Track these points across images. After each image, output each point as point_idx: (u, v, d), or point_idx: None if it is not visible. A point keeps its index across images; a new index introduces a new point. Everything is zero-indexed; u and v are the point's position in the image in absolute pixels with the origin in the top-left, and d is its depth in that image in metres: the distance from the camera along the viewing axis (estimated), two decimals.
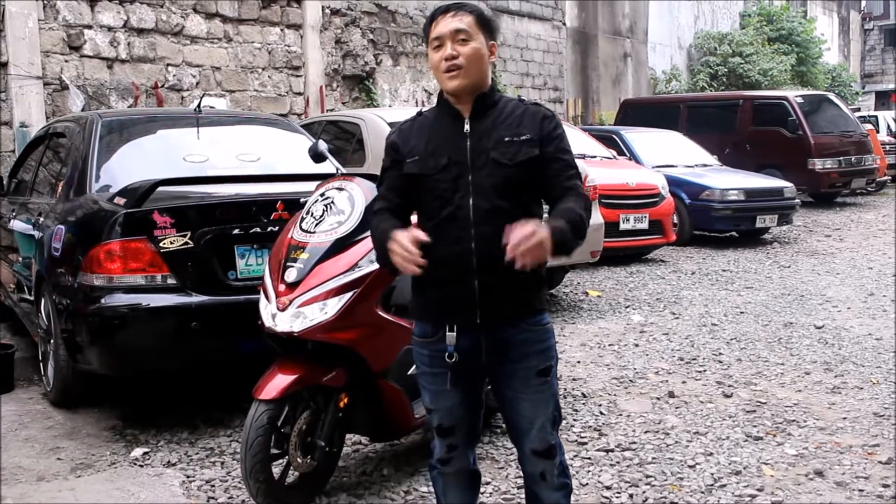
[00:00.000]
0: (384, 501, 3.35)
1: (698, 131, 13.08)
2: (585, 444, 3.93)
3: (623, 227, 8.84)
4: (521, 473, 2.58)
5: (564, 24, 15.95)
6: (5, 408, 4.48)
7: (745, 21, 23.62)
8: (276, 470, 3.19)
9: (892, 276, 8.04)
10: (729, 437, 4.00)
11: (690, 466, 3.65)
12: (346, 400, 3.24)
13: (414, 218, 2.46)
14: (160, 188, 3.91)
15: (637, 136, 11.46)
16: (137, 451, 3.84)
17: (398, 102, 11.78)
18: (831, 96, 15.56)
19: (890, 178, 16.98)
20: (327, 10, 10.67)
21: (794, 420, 4.22)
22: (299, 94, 10.33)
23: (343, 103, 10.93)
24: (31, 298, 4.82)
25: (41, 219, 4.68)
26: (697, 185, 10.47)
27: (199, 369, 4.49)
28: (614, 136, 11.31)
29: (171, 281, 3.92)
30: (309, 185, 3.69)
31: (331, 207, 3.26)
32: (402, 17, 11.94)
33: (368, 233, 3.16)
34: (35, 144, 5.87)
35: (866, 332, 5.93)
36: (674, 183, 10.00)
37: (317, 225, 3.22)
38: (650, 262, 9.31)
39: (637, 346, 5.69)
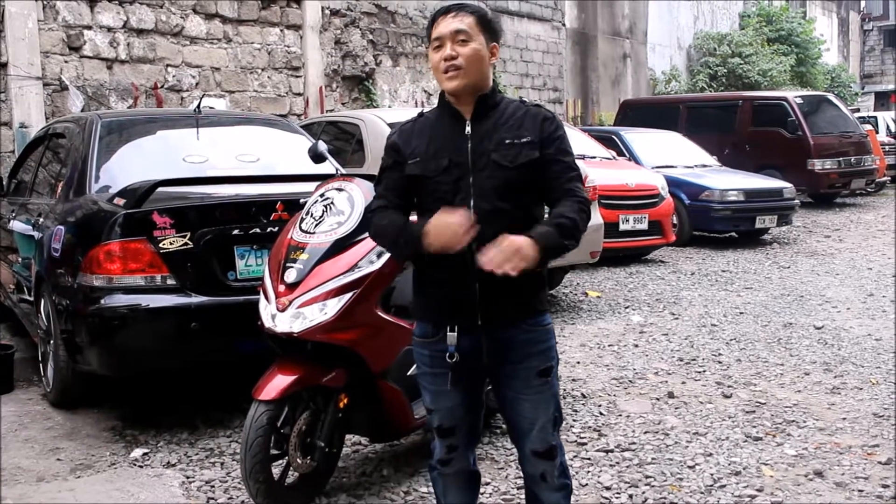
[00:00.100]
0: (384, 502, 3.35)
1: (698, 132, 13.09)
2: (585, 444, 3.93)
3: (623, 227, 8.84)
4: (521, 474, 2.58)
5: (564, 24, 15.96)
6: (5, 408, 4.48)
7: (745, 21, 23.63)
8: (276, 470, 3.19)
9: (892, 276, 8.04)
10: (728, 437, 4.00)
11: (690, 467, 3.65)
12: (345, 400, 3.24)
13: (413, 218, 2.45)
14: (160, 189, 3.91)
15: (636, 137, 11.46)
16: (137, 452, 3.84)
17: (398, 103, 11.78)
18: (831, 97, 15.56)
19: (889, 178, 16.97)
20: (327, 11, 10.68)
21: (793, 420, 4.22)
22: (299, 94, 10.33)
23: (343, 104, 10.93)
24: (31, 299, 4.82)
25: (41, 219, 4.68)
26: (697, 185, 10.48)
27: (198, 370, 4.49)
28: (614, 136, 11.32)
29: (170, 281, 3.92)
30: (308, 186, 3.69)
31: (330, 208, 3.26)
32: (402, 17, 11.95)
33: (368, 233, 3.19)
34: (35, 145, 5.87)
35: (866, 333, 5.93)
36: (673, 183, 10.00)
37: (316, 225, 3.22)
38: (650, 262, 9.31)
39: (637, 346, 5.69)
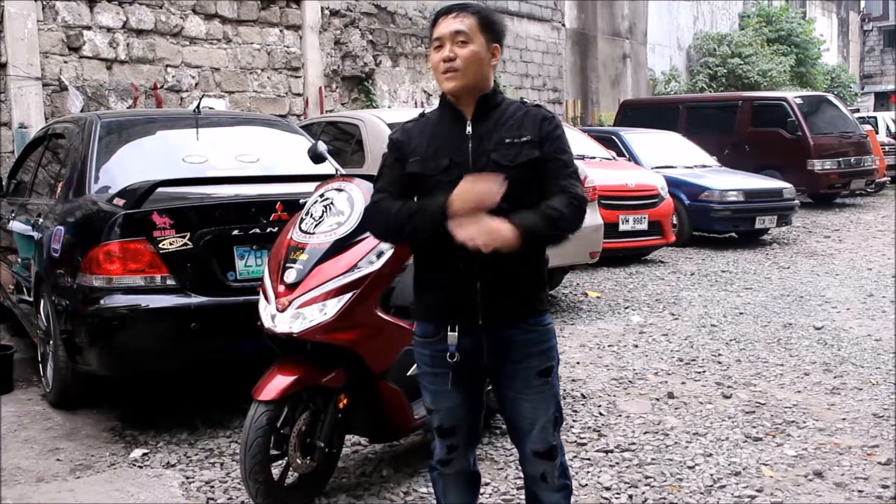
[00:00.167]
0: (383, 502, 3.35)
1: (697, 132, 13.09)
2: (585, 444, 3.93)
3: (622, 227, 8.84)
4: (521, 474, 2.58)
5: (564, 25, 15.96)
6: (5, 409, 4.48)
7: (745, 22, 23.64)
8: (276, 471, 3.19)
9: (892, 276, 8.04)
10: (728, 437, 4.00)
11: (690, 467, 3.65)
12: (345, 401, 3.24)
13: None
14: (159, 189, 3.91)
15: (636, 137, 11.46)
16: (137, 452, 3.83)
17: (397, 103, 11.78)
18: (830, 97, 15.56)
19: (889, 178, 16.97)
20: (326, 11, 10.68)
21: (793, 421, 4.22)
22: (298, 95, 10.33)
23: (342, 104, 10.94)
24: (31, 299, 4.82)
25: (40, 220, 4.68)
26: (697, 185, 10.47)
27: (198, 370, 4.49)
28: (614, 136, 11.32)
29: (170, 282, 3.92)
30: (308, 186, 3.69)
31: (330, 208, 3.26)
32: (402, 18, 11.95)
33: (368, 234, 3.19)
34: (34, 145, 5.87)
35: (865, 333, 5.93)
36: (673, 184, 10.00)
37: (316, 226, 3.22)
38: (649, 263, 9.31)
39: (636, 346, 5.69)
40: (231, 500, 3.37)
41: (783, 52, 21.91)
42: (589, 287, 7.85)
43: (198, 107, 5.09)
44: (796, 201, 10.96)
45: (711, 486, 3.46)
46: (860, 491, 3.41)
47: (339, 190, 3.32)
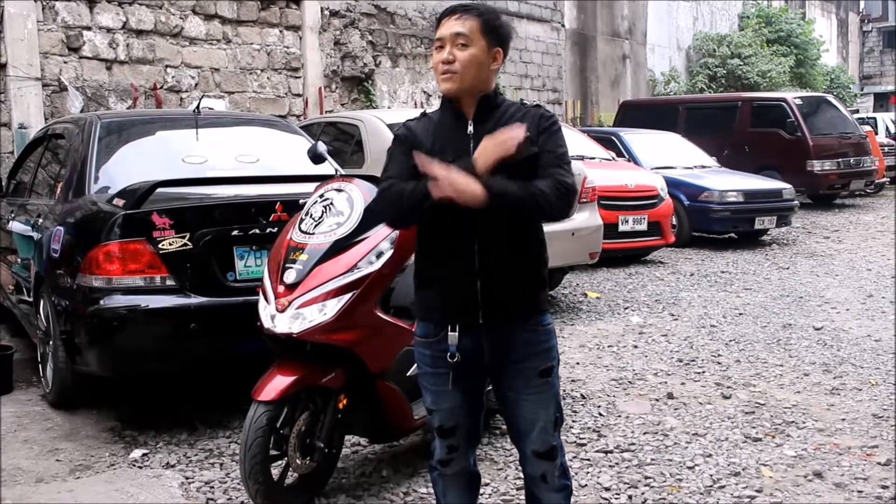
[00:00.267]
0: (383, 502, 3.35)
1: (697, 133, 13.09)
2: (584, 445, 3.93)
3: (622, 228, 8.84)
4: (521, 475, 2.58)
5: (563, 25, 15.97)
6: (4, 409, 4.48)
7: (744, 23, 23.64)
8: (276, 471, 3.19)
9: (891, 277, 8.04)
10: (728, 438, 4.00)
11: (689, 468, 3.65)
12: (345, 401, 3.24)
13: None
14: (159, 189, 3.91)
15: (636, 138, 11.47)
16: (136, 453, 3.83)
17: (397, 104, 11.78)
18: (830, 98, 15.57)
19: (888, 179, 16.98)
20: (326, 12, 10.68)
21: (792, 421, 4.22)
22: (298, 95, 10.34)
23: (342, 105, 10.94)
24: (30, 300, 4.82)
25: (40, 220, 4.68)
26: (696, 186, 10.48)
27: (198, 370, 4.49)
28: (613, 137, 11.32)
29: (169, 282, 3.92)
30: (308, 187, 3.69)
31: (330, 209, 3.26)
32: (401, 18, 11.95)
33: (367, 234, 3.19)
34: (34, 146, 5.87)
35: (865, 334, 5.94)
36: (673, 184, 10.00)
37: (316, 226, 3.22)
38: (649, 263, 9.31)
39: (636, 347, 5.70)
40: (231, 501, 3.37)
41: (783, 53, 21.92)
42: (588, 288, 7.85)
43: (197, 107, 5.09)
44: (796, 202, 10.96)
45: (711, 486, 3.46)
46: (860, 491, 3.41)
47: (339, 190, 3.32)
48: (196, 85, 9.11)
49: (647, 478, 3.54)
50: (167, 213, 3.91)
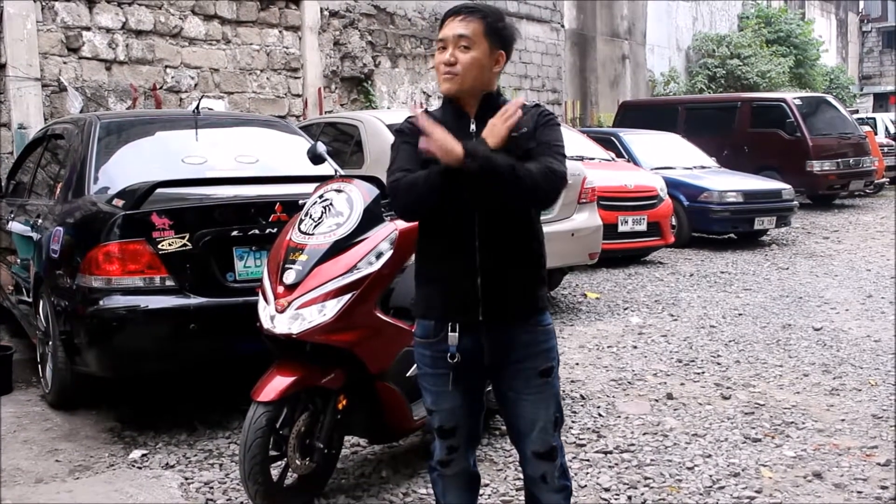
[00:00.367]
0: (383, 503, 3.35)
1: (696, 133, 13.10)
2: (584, 445, 3.93)
3: (622, 228, 8.84)
4: (520, 475, 2.58)
5: (563, 26, 15.97)
6: (4, 410, 4.47)
7: (744, 23, 23.66)
8: (275, 472, 3.19)
9: (891, 277, 8.05)
10: (727, 438, 4.00)
11: (689, 468, 3.65)
12: (344, 402, 3.24)
13: None
14: (159, 190, 3.91)
15: (635, 138, 11.47)
16: (136, 453, 3.83)
17: (396, 104, 11.78)
18: (829, 98, 15.58)
19: (888, 180, 16.99)
20: (326, 12, 10.68)
21: (792, 422, 4.22)
22: (298, 95, 10.33)
23: (341, 105, 10.94)
24: (30, 300, 4.81)
25: (40, 220, 4.68)
26: (696, 186, 10.48)
27: (197, 371, 4.48)
28: (613, 137, 11.33)
29: (169, 283, 3.92)
30: (307, 187, 3.69)
31: (329, 209, 3.26)
32: (401, 19, 11.95)
33: (367, 234, 3.19)
34: (33, 146, 5.87)
35: (865, 334, 5.94)
36: (672, 185, 10.00)
37: (315, 227, 3.22)
38: (649, 263, 9.32)
39: (635, 347, 5.70)
40: (230, 501, 3.37)
41: (782, 54, 21.93)
42: (588, 288, 7.85)
43: (197, 107, 5.09)
44: (795, 202, 10.97)
45: (710, 487, 3.46)
46: (859, 492, 3.41)
47: (339, 191, 3.32)
48: (195, 85, 9.11)
49: (646, 478, 3.54)
50: (167, 213, 3.91)
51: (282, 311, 3.07)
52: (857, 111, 22.94)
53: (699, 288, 7.82)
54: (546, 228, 2.44)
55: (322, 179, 3.59)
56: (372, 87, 11.32)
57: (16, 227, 5.23)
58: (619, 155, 10.61)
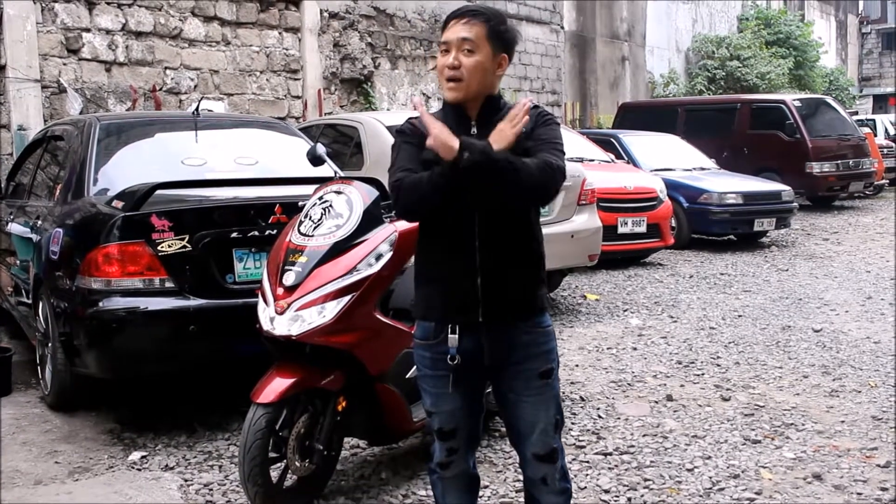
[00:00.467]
0: None
1: (696, 135, 13.10)
2: (583, 447, 3.93)
3: (621, 230, 8.84)
4: (520, 477, 2.58)
5: (562, 27, 15.97)
6: (3, 411, 4.47)
7: (743, 25, 23.67)
8: (275, 473, 3.19)
9: (890, 279, 8.05)
10: (727, 440, 4.00)
11: (689, 470, 3.65)
12: (344, 403, 3.24)
13: None
14: (158, 191, 3.91)
15: (635, 140, 11.47)
16: (135, 455, 3.83)
17: (396, 106, 11.78)
18: (829, 100, 15.59)
19: (887, 181, 17.00)
20: (325, 14, 10.68)
21: (792, 423, 4.22)
22: (297, 97, 10.34)
23: (341, 106, 10.94)
24: (29, 302, 4.81)
25: (39, 222, 4.68)
26: (695, 188, 10.48)
27: (196, 373, 4.48)
28: (612, 139, 11.33)
29: (168, 284, 3.92)
30: (307, 189, 3.69)
31: (329, 211, 3.26)
32: (401, 20, 11.95)
33: (366, 236, 3.19)
34: (33, 147, 5.86)
35: (864, 336, 5.94)
36: (672, 186, 10.00)
37: (315, 228, 3.22)
38: (648, 265, 9.32)
39: (635, 349, 5.69)
40: (230, 503, 3.37)
41: (781, 55, 21.95)
42: (588, 290, 7.85)
43: (197, 109, 5.09)
44: (795, 204, 10.97)
45: (710, 488, 3.46)
46: (859, 493, 3.41)
47: (338, 192, 3.32)
48: (195, 87, 9.12)
49: (646, 480, 3.54)
50: (166, 215, 3.91)
51: (281, 313, 3.07)
52: (856, 113, 22.94)
53: (699, 289, 7.82)
54: (545, 230, 2.44)
55: (322, 181, 3.59)
56: (372, 88, 11.32)
57: (15, 228, 5.23)
58: (619, 156, 10.61)
